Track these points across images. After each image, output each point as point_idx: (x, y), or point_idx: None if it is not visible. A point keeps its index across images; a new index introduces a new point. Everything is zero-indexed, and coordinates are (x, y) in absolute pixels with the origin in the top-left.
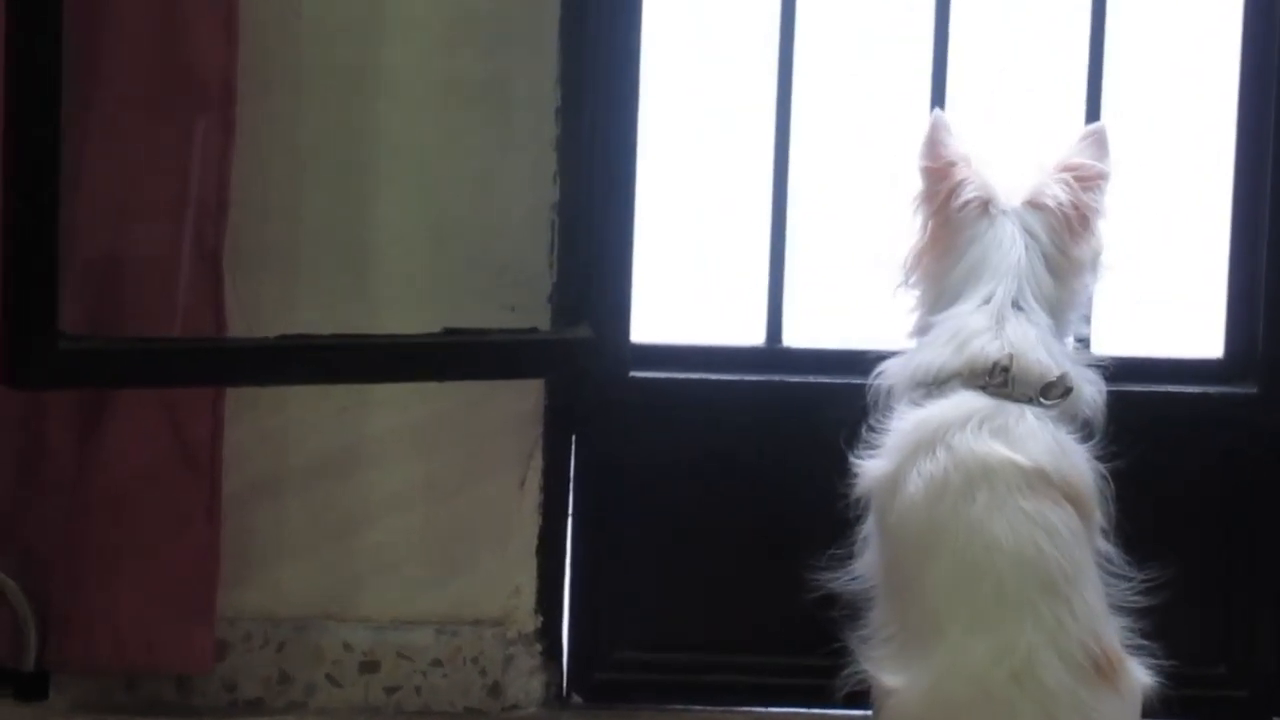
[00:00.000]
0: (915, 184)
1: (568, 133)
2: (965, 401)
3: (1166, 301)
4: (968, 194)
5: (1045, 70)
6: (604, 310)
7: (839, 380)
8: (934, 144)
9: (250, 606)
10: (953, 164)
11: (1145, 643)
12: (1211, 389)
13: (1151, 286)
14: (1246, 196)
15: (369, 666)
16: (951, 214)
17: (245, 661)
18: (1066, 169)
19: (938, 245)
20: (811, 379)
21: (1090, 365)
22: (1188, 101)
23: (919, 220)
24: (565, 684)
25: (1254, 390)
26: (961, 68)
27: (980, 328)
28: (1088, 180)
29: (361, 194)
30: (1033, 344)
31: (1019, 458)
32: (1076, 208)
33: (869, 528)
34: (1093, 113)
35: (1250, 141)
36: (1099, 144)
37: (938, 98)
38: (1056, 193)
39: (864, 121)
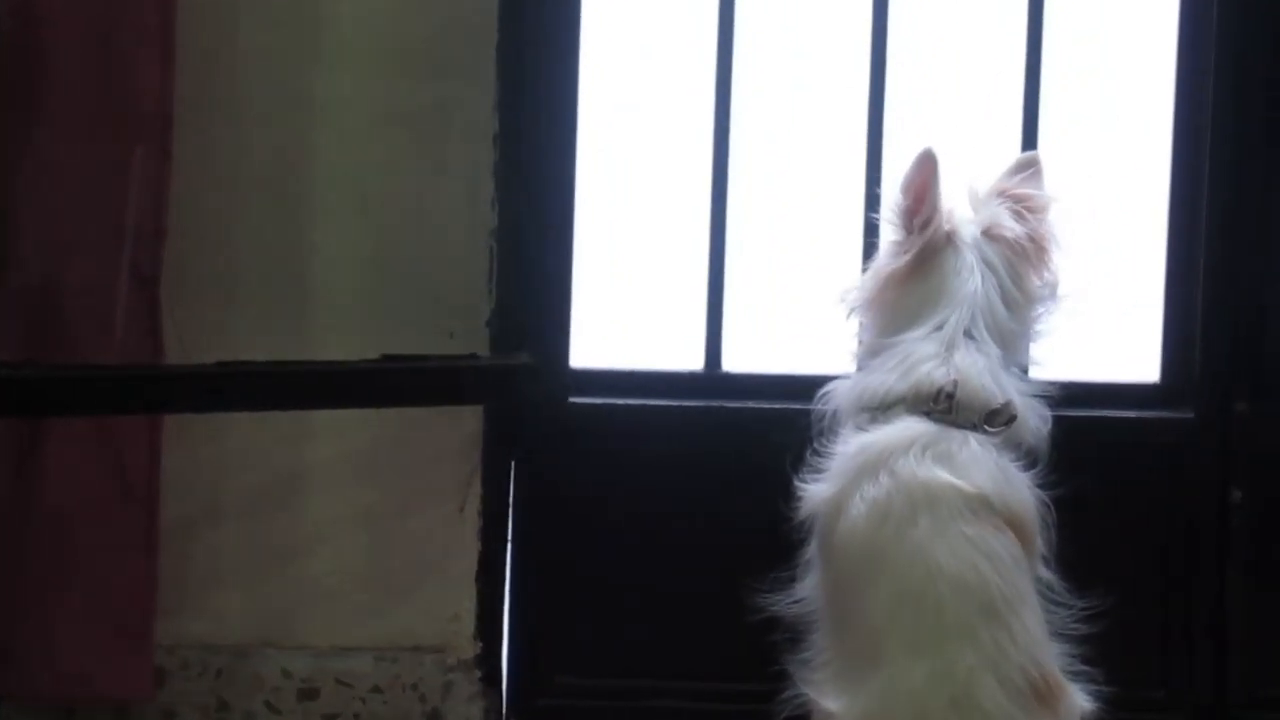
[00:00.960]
0: (892, 212)
1: (506, 159)
2: (910, 427)
3: (1103, 327)
4: (938, 224)
5: (980, 96)
6: (543, 336)
7: (778, 405)
8: (917, 183)
9: (189, 634)
10: (929, 201)
11: (1085, 668)
12: (1148, 414)
13: (1088, 312)
14: (1182, 222)
15: (308, 694)
16: (921, 248)
17: (184, 689)
18: (1015, 198)
19: (902, 276)
20: (751, 404)
21: (1036, 395)
22: (1124, 127)
23: (890, 252)
24: (505, 710)
25: (1190, 415)
26: (899, 95)
27: (929, 354)
28: (1039, 211)
29: (299, 221)
30: (979, 372)
31: (962, 484)
32: (1033, 239)
33: (812, 551)
34: (1029, 138)
35: (1186, 167)
36: (1037, 174)
37: (874, 124)
38: (1012, 224)
39: (801, 147)
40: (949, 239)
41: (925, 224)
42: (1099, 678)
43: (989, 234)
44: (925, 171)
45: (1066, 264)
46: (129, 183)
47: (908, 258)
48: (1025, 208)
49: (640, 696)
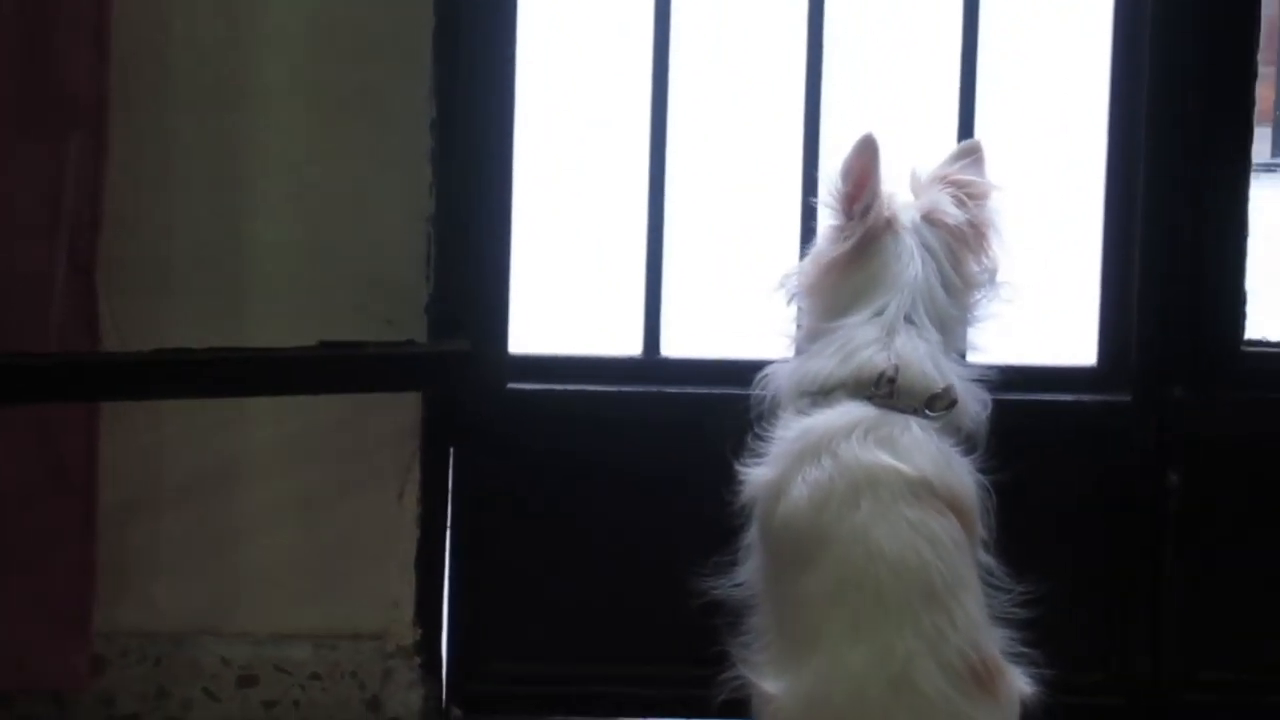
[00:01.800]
0: (832, 198)
1: (443, 146)
2: (851, 411)
3: (1040, 310)
4: (879, 210)
5: (916, 82)
6: (481, 322)
7: (716, 390)
8: (857, 168)
9: (127, 622)
10: (870, 187)
11: (1025, 651)
12: (1086, 397)
13: (1025, 295)
14: (1118, 205)
15: (247, 681)
16: (861, 231)
17: (122, 677)
18: (956, 185)
19: (843, 260)
20: (689, 389)
21: (976, 380)
22: (1059, 111)
23: (830, 238)
24: (445, 697)
25: (1127, 399)
26: (835, 80)
27: (869, 339)
28: (979, 197)
29: (236, 209)
30: (920, 357)
31: (904, 467)
32: (973, 225)
33: (753, 535)
34: (966, 123)
35: (1121, 151)
36: (979, 161)
37: (811, 110)
38: (953, 210)
39: (738, 133)
40: (889, 224)
41: (865, 210)
42: (1039, 660)
43: (929, 219)
44: (866, 157)
45: (1005, 251)
46: (64, 171)
47: (849, 243)
48: (966, 194)
49: (581, 682)
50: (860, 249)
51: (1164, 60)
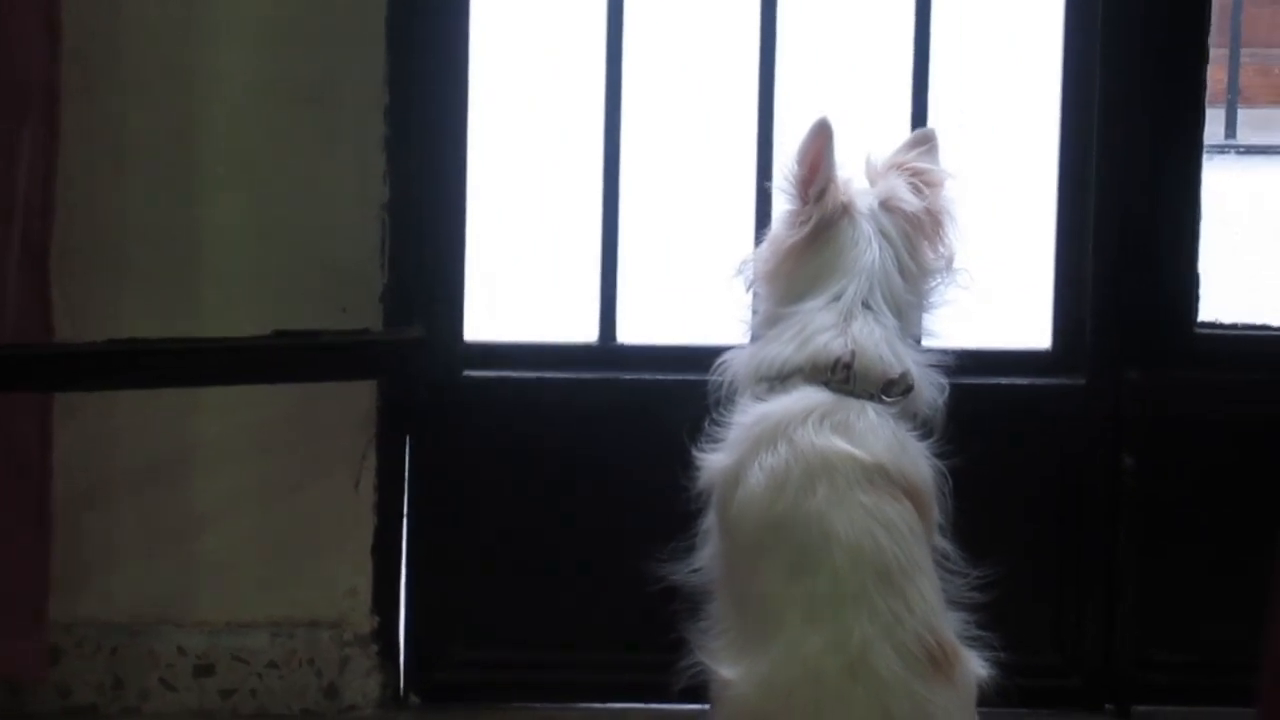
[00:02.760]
0: (787, 182)
1: (397, 132)
2: (807, 396)
3: (995, 294)
4: (834, 194)
5: (870, 67)
6: (436, 310)
7: (673, 377)
8: (812, 151)
9: (83, 612)
10: (824, 171)
11: (980, 634)
12: (1040, 380)
13: (979, 279)
14: (1071, 188)
15: (204, 670)
16: (817, 218)
17: (79, 667)
18: (913, 172)
19: (800, 246)
20: (645, 376)
21: (933, 365)
22: (1011, 94)
23: (786, 223)
24: (403, 685)
25: (1082, 381)
26: (789, 66)
27: (826, 324)
28: (935, 185)
29: (189, 196)
30: (876, 342)
31: (859, 453)
32: (930, 212)
33: (710, 521)
34: (919, 109)
35: (1074, 135)
36: (933, 149)
37: (765, 96)
38: (910, 197)
39: (693, 119)
40: (846, 210)
41: (820, 194)
42: (994, 643)
43: (886, 206)
44: (820, 141)
45: (961, 238)
46: (16, 159)
47: (806, 228)
48: (922, 182)
49: (539, 668)
50: (817, 234)
51: (1116, 44)
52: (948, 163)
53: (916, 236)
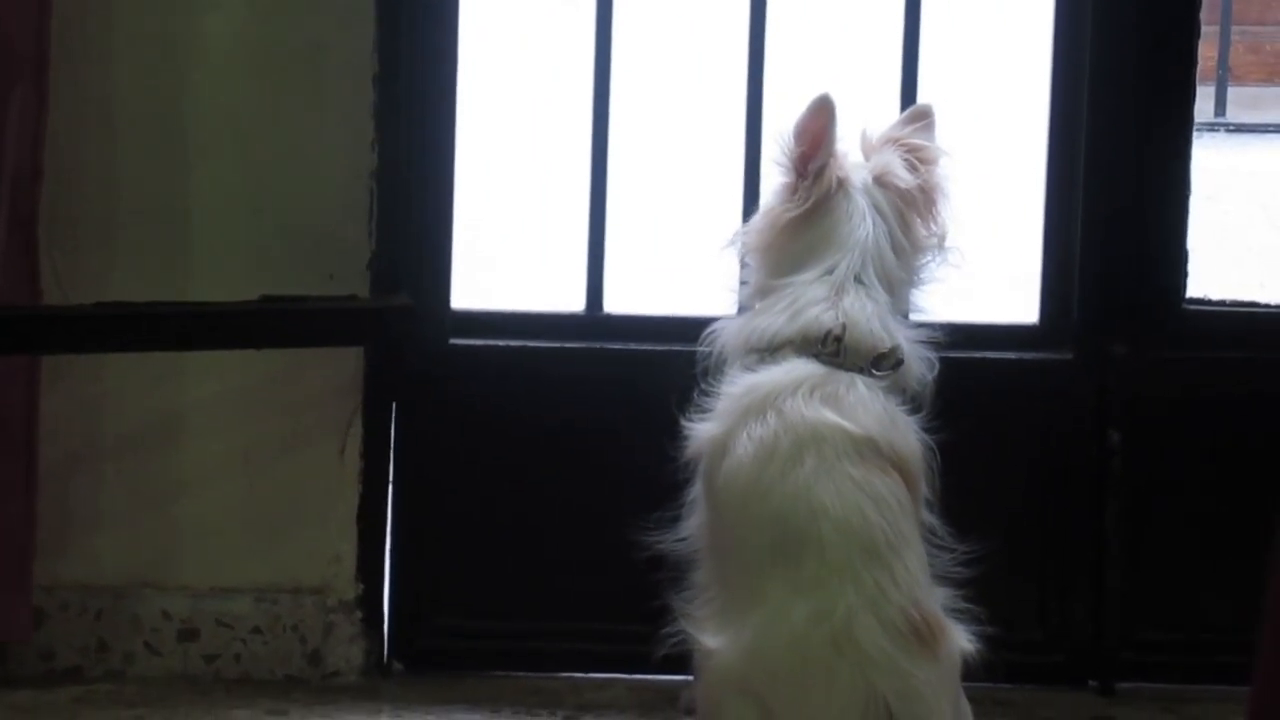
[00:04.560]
0: (785, 157)
1: (385, 100)
2: (798, 368)
3: (983, 267)
4: (832, 171)
5: (860, 41)
6: (423, 278)
7: (660, 347)
8: (819, 128)
9: (68, 575)
10: (823, 146)
11: (967, 609)
12: (1027, 355)
13: (969, 254)
14: (1060, 163)
15: (188, 635)
16: (815, 190)
17: (63, 630)
18: (908, 148)
19: (795, 219)
20: (633, 345)
21: (922, 341)
22: (1001, 70)
23: (781, 196)
24: (386, 652)
25: (1069, 356)
26: (781, 36)
27: (818, 297)
28: (930, 162)
29: (177, 162)
30: (868, 316)
31: (849, 425)
32: (923, 189)
33: (697, 490)
34: (909, 85)
35: (1063, 111)
36: (929, 125)
37: (755, 68)
38: (904, 173)
39: (683, 88)
40: (841, 184)
41: (820, 170)
42: (980, 617)
43: (880, 181)
44: (822, 118)
45: (953, 216)
46: (5, 124)
47: (804, 205)
48: (917, 158)
49: (523, 637)
50: (813, 208)
51: (1106, 20)
52: (942, 139)
53: (910, 213)
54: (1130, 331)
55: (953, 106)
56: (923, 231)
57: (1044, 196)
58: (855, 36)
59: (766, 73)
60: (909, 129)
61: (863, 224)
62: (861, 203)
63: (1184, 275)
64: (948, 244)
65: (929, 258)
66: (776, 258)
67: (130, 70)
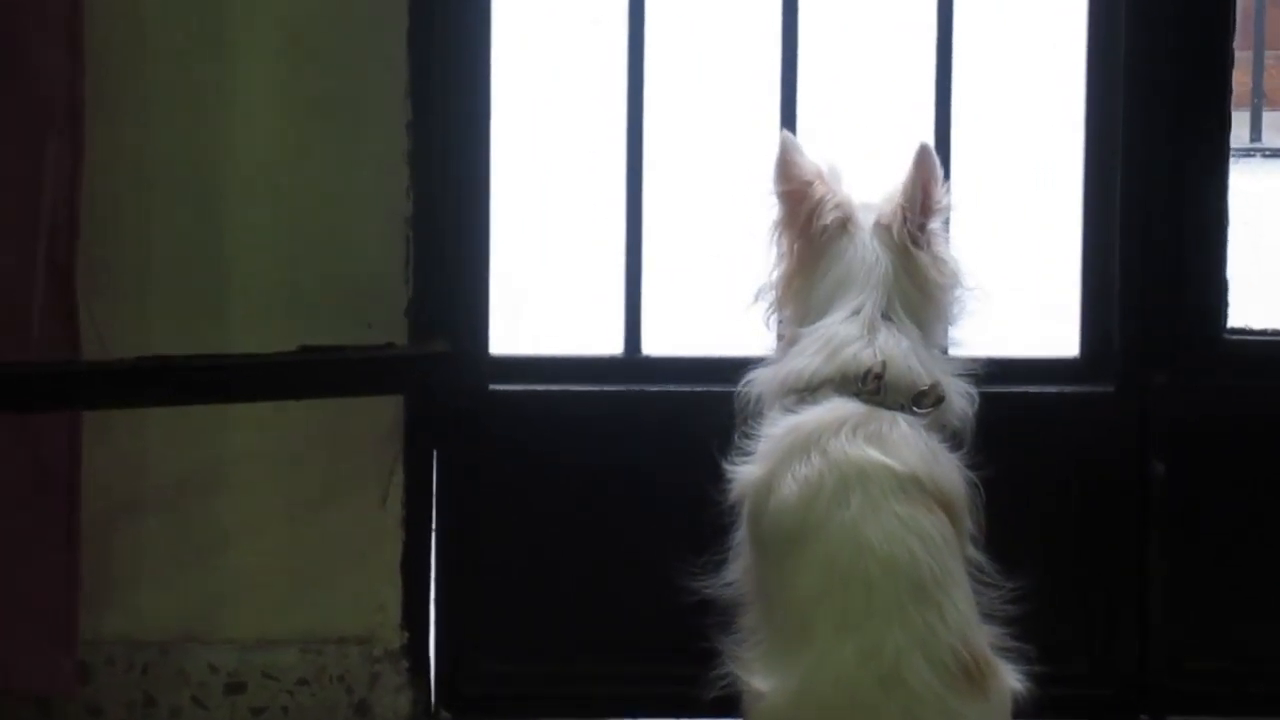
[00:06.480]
0: (771, 209)
1: (420, 146)
2: (839, 407)
3: (1022, 301)
4: (828, 213)
5: (893, 74)
6: (462, 324)
7: (699, 388)
8: (786, 166)
9: (113, 630)
10: (809, 183)
11: (1014, 645)
12: (1068, 388)
13: (1006, 288)
14: (1096, 194)
15: (234, 688)
16: (814, 234)
17: (109, 685)
18: (909, 191)
19: (804, 265)
20: (671, 387)
21: (961, 375)
22: (1036, 101)
23: (783, 244)
24: (433, 700)
25: (1111, 389)
26: (812, 69)
27: (852, 336)
28: (929, 210)
29: (213, 213)
30: (904, 353)
31: (893, 463)
32: (925, 233)
33: (742, 533)
34: (942, 117)
35: (1098, 141)
36: (927, 162)
37: (788, 104)
38: (897, 222)
39: (717, 127)
40: (844, 225)
41: (810, 207)
42: (1026, 652)
43: (881, 224)
44: (788, 154)
45: (959, 256)
46: (42, 176)
47: (802, 244)
48: (915, 206)
49: (569, 682)
50: (818, 254)
51: (1140, 48)
52: (969, 165)
53: (916, 252)
54: (1171, 362)
55: (988, 140)
56: (933, 273)
57: (1081, 228)
58: (889, 66)
59: (800, 106)
60: (912, 170)
61: (878, 263)
62: (871, 243)
63: (1224, 304)
64: (966, 281)
65: (954, 293)
66: (802, 307)
67: (164, 120)
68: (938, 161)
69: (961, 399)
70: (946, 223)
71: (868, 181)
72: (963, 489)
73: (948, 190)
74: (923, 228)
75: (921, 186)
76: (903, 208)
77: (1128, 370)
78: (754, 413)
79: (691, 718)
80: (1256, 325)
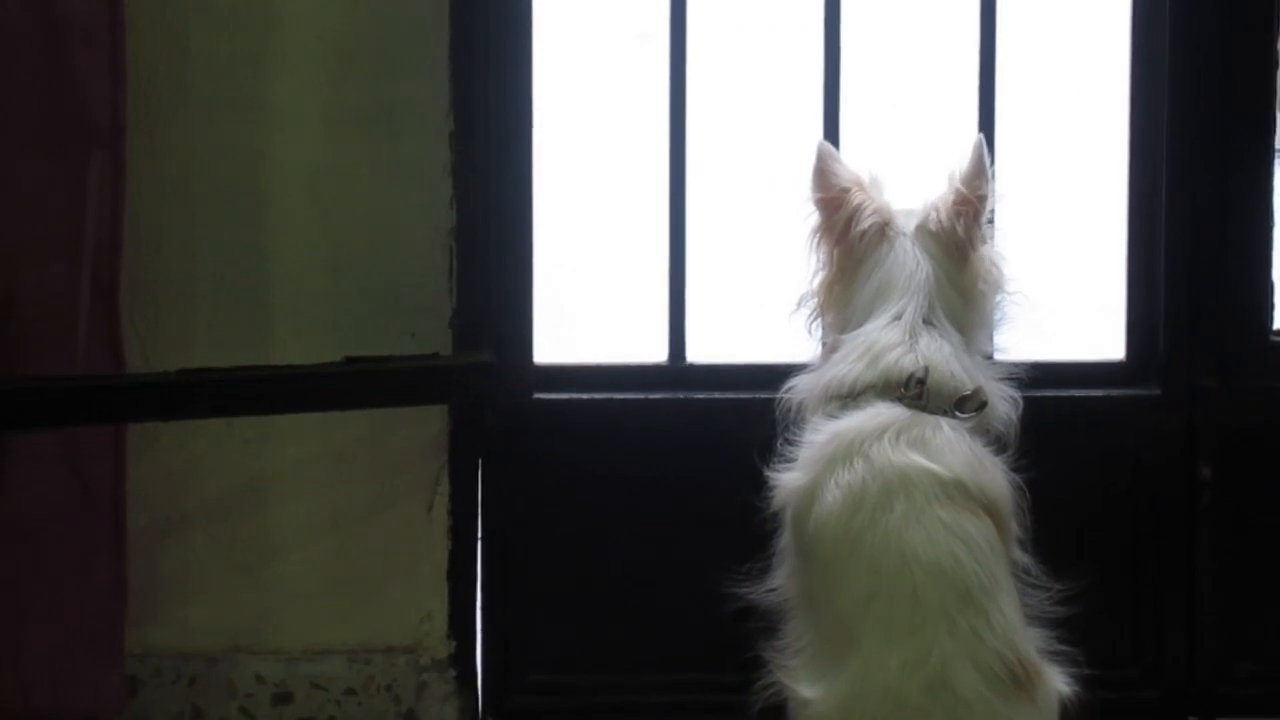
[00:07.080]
0: (810, 217)
1: (462, 158)
2: (882, 412)
3: (1068, 305)
4: (867, 219)
5: (939, 84)
6: (506, 334)
7: (743, 395)
8: (824, 174)
9: (160, 643)
10: (846, 191)
11: (1061, 650)
12: (1115, 391)
13: (1053, 290)
14: (1141, 198)
15: (282, 698)
16: (853, 240)
17: (157, 698)
18: (956, 197)
19: (844, 272)
20: (716, 395)
21: (1004, 380)
22: (1083, 108)
23: (823, 252)
24: (480, 709)
25: (1157, 391)
26: (856, 79)
27: (894, 342)
28: (966, 208)
29: (256, 226)
30: (946, 358)
31: (938, 468)
32: (969, 237)
33: (785, 540)
34: (986, 121)
35: (1143, 145)
36: (978, 157)
37: (830, 112)
38: (941, 220)
39: (760, 136)
40: (882, 231)
41: (848, 214)
42: (1075, 658)
43: (922, 228)
44: (825, 162)
45: (1003, 258)
46: (85, 193)
47: (842, 251)
48: (955, 205)
49: (616, 691)
50: (858, 260)
51: (1184, 52)
52: (1016, 171)
53: (959, 258)
54: (1218, 365)
55: (1032, 143)
56: (975, 277)
57: (1126, 232)
58: (932, 72)
59: (842, 114)
60: (957, 173)
61: (919, 268)
62: (911, 248)
63: (1270, 306)
64: (1007, 285)
65: (995, 298)
66: (843, 314)
67: (207, 135)
68: (989, 157)
69: (1004, 403)
70: (991, 224)
71: (910, 190)
72: (1008, 493)
73: (994, 189)
74: (976, 217)
75: (977, 175)
76: (960, 191)
77: (1174, 373)
78: (796, 419)
79: None
80: None
